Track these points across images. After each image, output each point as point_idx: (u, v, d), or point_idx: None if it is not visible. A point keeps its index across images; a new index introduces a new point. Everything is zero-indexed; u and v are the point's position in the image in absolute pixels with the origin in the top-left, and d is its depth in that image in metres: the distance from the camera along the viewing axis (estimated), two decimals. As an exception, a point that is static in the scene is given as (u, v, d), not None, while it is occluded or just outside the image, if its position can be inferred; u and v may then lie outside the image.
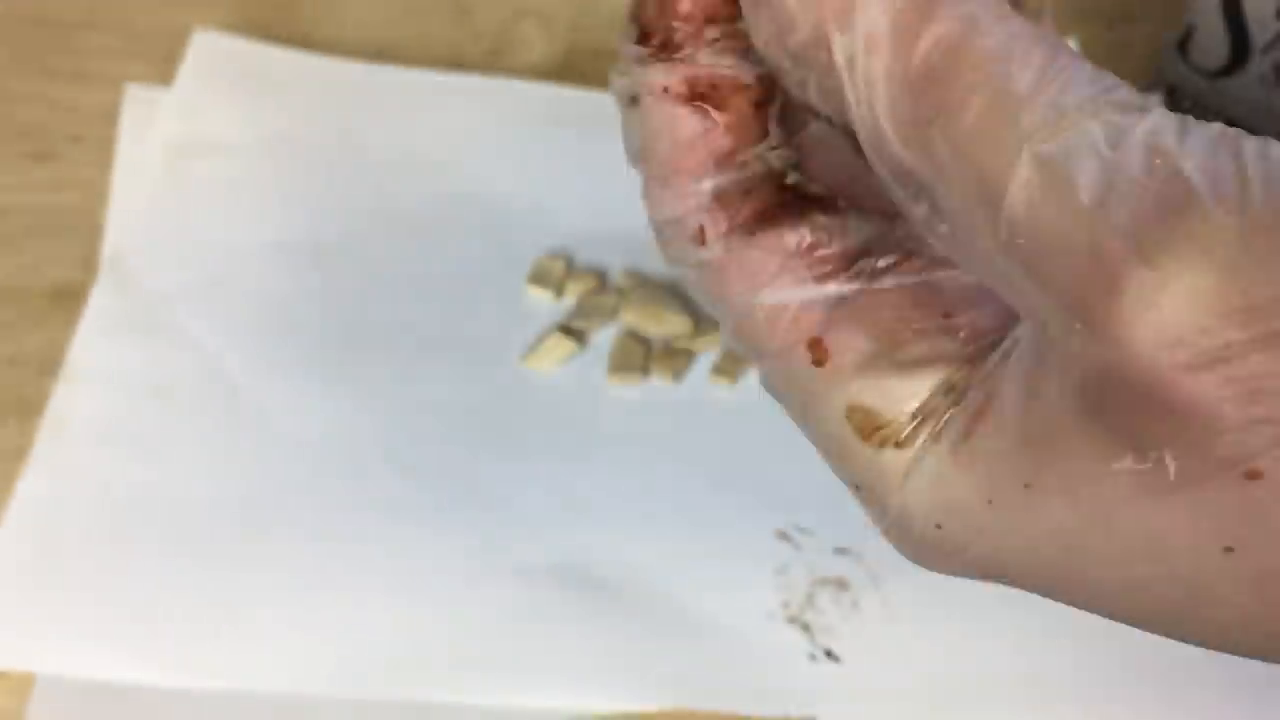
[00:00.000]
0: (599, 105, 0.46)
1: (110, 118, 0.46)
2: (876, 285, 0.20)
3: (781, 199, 0.21)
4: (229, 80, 0.47)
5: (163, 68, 0.47)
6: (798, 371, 0.20)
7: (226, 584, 0.35)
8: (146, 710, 0.33)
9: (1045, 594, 0.20)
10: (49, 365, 0.39)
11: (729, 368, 0.41)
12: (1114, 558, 0.18)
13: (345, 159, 0.45)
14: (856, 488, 0.21)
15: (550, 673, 0.35)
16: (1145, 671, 0.35)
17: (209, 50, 0.47)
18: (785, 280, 0.20)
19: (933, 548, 0.20)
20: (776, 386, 0.21)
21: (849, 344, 0.20)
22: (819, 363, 0.20)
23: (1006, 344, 0.19)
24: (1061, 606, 0.21)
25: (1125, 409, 0.16)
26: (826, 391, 0.20)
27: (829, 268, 0.20)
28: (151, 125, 0.45)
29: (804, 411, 0.21)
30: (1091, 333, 0.16)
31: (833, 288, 0.20)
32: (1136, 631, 0.27)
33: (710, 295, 0.21)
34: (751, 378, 0.41)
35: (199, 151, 0.45)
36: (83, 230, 0.43)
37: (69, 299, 0.41)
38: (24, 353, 0.40)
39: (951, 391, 0.20)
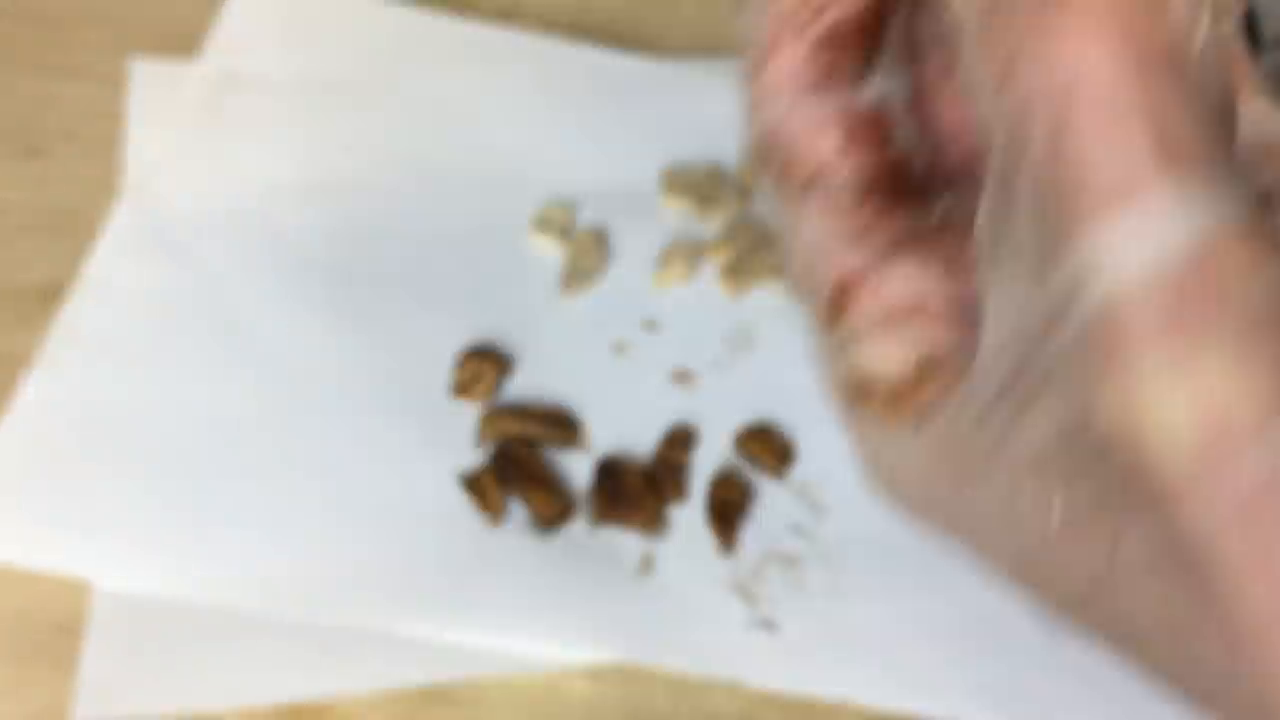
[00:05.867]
0: (623, 68, 0.49)
1: (103, 115, 0.46)
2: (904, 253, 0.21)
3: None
4: (271, 19, 0.49)
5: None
6: (819, 319, 0.22)
7: (206, 499, 0.38)
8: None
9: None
10: (37, 363, 0.40)
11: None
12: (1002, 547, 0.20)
13: (374, 103, 0.47)
14: (845, 427, 0.23)
15: (506, 613, 0.36)
16: (1081, 674, 0.36)
17: None
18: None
19: (885, 493, 0.23)
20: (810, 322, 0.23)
21: (865, 306, 0.21)
22: (839, 309, 0.22)
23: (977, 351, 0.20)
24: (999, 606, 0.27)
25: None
26: (837, 343, 0.22)
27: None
28: (156, 93, 0.46)
29: (816, 347, 0.23)
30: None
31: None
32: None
33: (772, 161, 0.22)
34: (717, 360, 0.41)
35: (234, 87, 0.47)
36: (74, 227, 0.43)
37: (59, 297, 0.41)
38: (12, 350, 0.40)
39: (932, 370, 0.21)
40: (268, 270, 0.42)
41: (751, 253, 0.43)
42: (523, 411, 0.39)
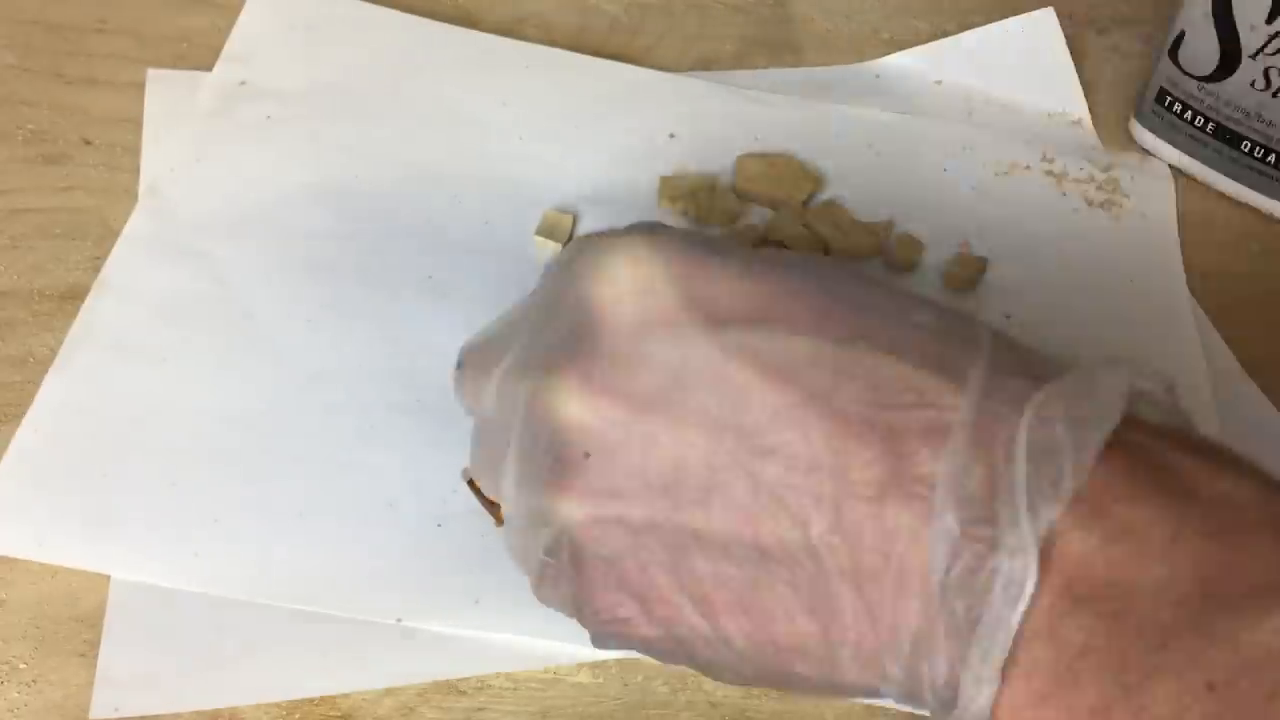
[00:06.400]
0: (624, 79, 0.49)
1: (121, 121, 0.47)
2: None
3: None
4: (284, 29, 0.49)
5: (172, 72, 0.48)
6: None
7: (220, 497, 0.38)
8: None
9: None
10: (58, 365, 0.40)
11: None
12: None
13: (382, 110, 0.48)
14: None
15: (510, 608, 0.37)
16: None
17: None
18: None
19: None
20: None
21: None
22: None
23: None
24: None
25: None
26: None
27: None
28: (172, 101, 0.47)
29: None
30: None
31: None
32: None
33: None
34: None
35: (248, 95, 0.47)
36: (92, 232, 0.44)
37: (78, 300, 0.42)
38: (33, 353, 0.41)
39: None
40: (279, 272, 0.43)
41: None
42: None
